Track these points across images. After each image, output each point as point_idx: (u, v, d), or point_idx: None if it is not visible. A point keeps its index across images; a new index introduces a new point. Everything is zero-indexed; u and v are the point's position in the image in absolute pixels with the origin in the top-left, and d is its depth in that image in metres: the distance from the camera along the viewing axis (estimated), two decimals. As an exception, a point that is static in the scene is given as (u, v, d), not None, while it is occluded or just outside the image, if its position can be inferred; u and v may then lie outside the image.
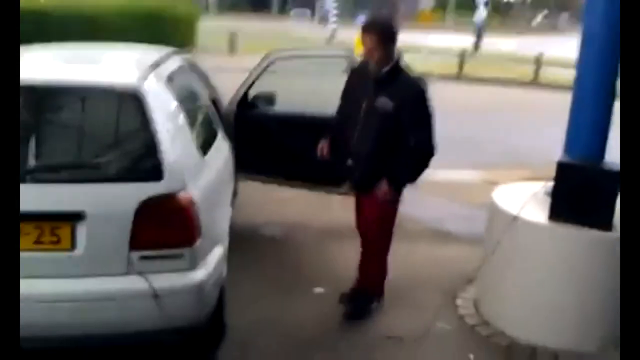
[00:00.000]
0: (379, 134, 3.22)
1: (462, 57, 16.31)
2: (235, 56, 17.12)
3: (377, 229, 3.40)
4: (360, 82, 3.33)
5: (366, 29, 3.19)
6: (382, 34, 3.18)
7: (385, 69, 3.20)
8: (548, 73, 15.70)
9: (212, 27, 22.86)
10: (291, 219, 4.87)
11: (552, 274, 3.14)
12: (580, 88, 3.47)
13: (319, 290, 3.71)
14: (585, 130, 3.46)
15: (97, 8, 14.02)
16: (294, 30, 27.86)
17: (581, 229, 3.07)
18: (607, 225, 3.08)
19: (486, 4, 24.82)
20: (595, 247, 3.09)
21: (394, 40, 3.22)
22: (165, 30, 16.81)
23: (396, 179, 3.25)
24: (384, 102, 3.16)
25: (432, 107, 3.23)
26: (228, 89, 4.54)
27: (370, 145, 3.26)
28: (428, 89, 3.24)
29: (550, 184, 3.27)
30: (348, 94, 3.47)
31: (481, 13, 23.76)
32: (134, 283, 2.42)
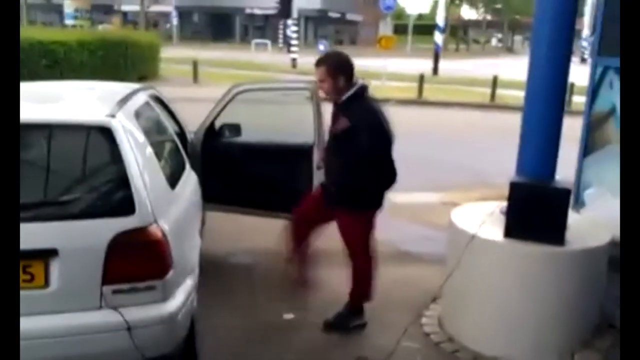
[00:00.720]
0: (340, 154, 3.44)
1: (421, 81, 16.75)
2: (199, 86, 17.19)
3: (348, 246, 3.59)
4: (335, 109, 3.55)
5: (317, 63, 3.46)
6: (330, 66, 3.41)
7: (345, 96, 3.40)
8: (504, 94, 16.27)
9: (174, 56, 22.96)
10: (259, 247, 4.95)
11: (509, 289, 3.30)
12: (529, 110, 3.68)
13: (288, 316, 3.80)
14: (535, 150, 3.67)
15: (57, 40, 13.95)
16: (256, 59, 28.14)
17: (535, 245, 3.25)
18: (559, 241, 3.26)
19: (443, 30, 25.58)
20: (548, 262, 3.27)
21: (344, 72, 3.41)
22: (127, 61, 16.87)
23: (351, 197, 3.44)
24: (342, 123, 3.39)
25: (386, 129, 3.40)
26: (193, 119, 4.64)
27: (335, 166, 3.49)
28: (385, 114, 3.43)
29: (505, 203, 3.45)
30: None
31: (438, 38, 24.46)
32: (107, 317, 2.47)
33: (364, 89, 3.46)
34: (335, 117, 3.50)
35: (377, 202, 3.53)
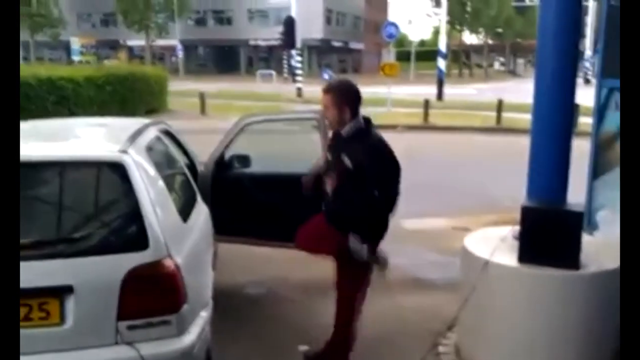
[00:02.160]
0: (341, 191, 3.33)
1: (427, 107, 16.83)
2: (206, 118, 17.33)
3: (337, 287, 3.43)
4: (335, 141, 3.47)
5: (324, 90, 3.38)
6: (337, 95, 3.31)
7: (348, 130, 3.31)
8: (509, 117, 16.31)
9: (181, 90, 23.24)
10: (272, 277, 4.94)
11: (525, 314, 3.26)
12: (537, 132, 3.67)
13: (303, 348, 3.76)
14: (545, 173, 3.65)
15: (65, 77, 14.16)
16: (261, 89, 28.42)
17: (549, 269, 3.22)
18: (574, 265, 3.24)
19: (445, 55, 25.81)
20: (564, 286, 3.23)
21: (350, 103, 3.30)
22: (135, 95, 17.07)
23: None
24: (346, 161, 3.26)
25: (394, 164, 3.29)
26: (201, 151, 4.67)
27: (335, 201, 3.39)
28: (387, 148, 3.31)
29: (518, 227, 3.43)
30: (329, 151, 3.57)
31: (441, 63, 24.66)
32: (123, 353, 2.46)
33: (366, 123, 3.34)
34: (335, 149, 3.40)
35: (379, 236, 3.38)
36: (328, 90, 3.38)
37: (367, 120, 3.37)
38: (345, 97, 3.33)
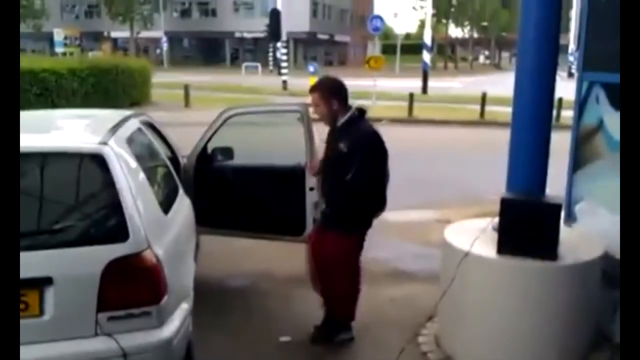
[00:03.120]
0: (334, 176, 3.49)
1: (411, 100, 16.88)
2: (190, 110, 17.23)
3: (333, 267, 3.59)
4: (332, 135, 3.61)
5: (311, 89, 3.57)
6: (323, 90, 3.51)
7: (342, 120, 3.48)
8: (493, 111, 16.41)
9: (165, 81, 23.07)
10: (255, 270, 4.94)
11: (504, 305, 3.30)
12: (517, 126, 3.71)
13: (285, 339, 3.78)
14: (524, 166, 3.70)
15: (48, 69, 14.01)
16: (247, 82, 28.27)
17: (527, 260, 3.26)
18: (551, 256, 3.28)
19: (430, 49, 25.86)
20: (541, 277, 3.28)
21: (337, 95, 3.51)
22: (118, 87, 16.92)
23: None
24: (341, 147, 3.44)
25: (383, 150, 3.46)
26: (185, 143, 4.66)
27: (330, 188, 3.53)
28: (379, 137, 3.49)
29: (497, 219, 3.46)
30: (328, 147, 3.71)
31: (426, 57, 24.71)
32: (102, 344, 2.46)
33: (360, 112, 3.53)
34: (331, 140, 3.56)
35: (365, 224, 3.58)
36: (314, 89, 3.56)
37: (361, 111, 3.55)
38: (332, 91, 3.53)
